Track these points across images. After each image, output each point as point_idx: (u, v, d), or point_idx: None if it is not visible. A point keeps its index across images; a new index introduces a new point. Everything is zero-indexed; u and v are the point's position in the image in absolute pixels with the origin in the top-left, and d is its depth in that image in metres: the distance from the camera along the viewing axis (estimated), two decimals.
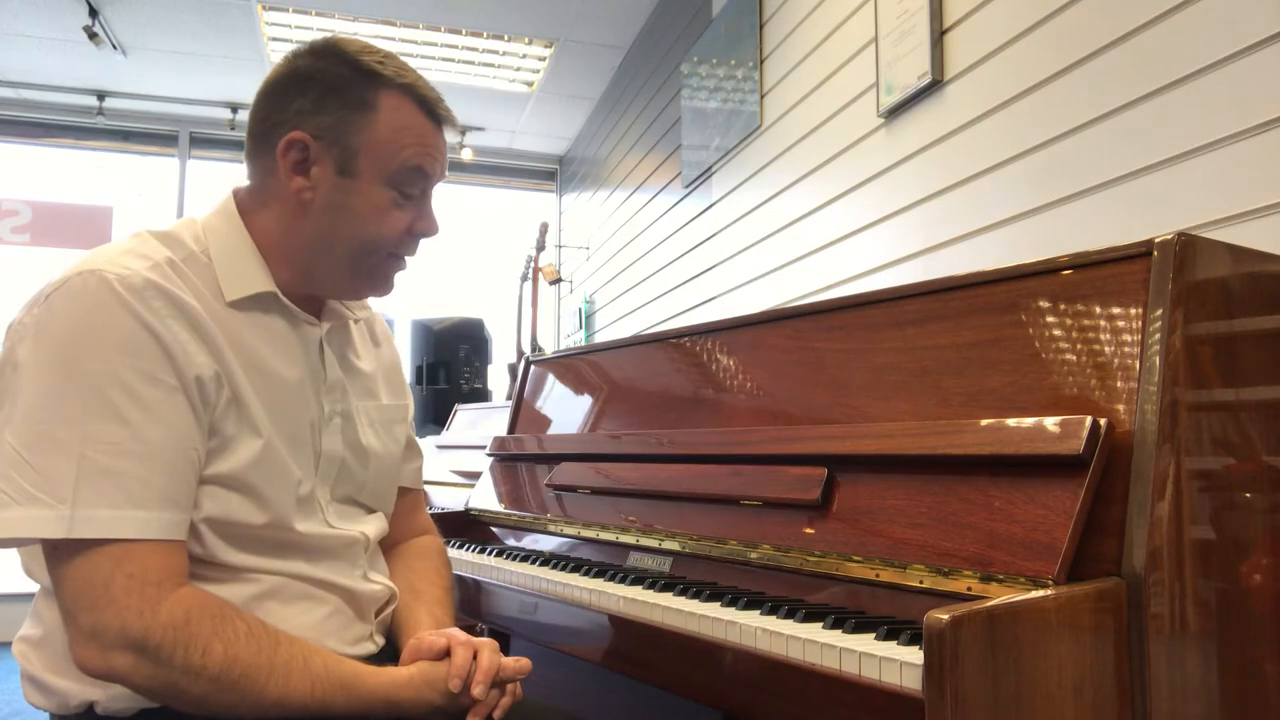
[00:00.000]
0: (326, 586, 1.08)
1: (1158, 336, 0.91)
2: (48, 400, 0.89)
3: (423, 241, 1.14)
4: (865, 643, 0.88)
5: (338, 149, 1.04)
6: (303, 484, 1.06)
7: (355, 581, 1.11)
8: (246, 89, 5.27)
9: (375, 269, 1.10)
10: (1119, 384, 0.93)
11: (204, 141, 5.60)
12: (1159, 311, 0.91)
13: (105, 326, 0.91)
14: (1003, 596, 0.80)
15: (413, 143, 1.06)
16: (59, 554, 0.90)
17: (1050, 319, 1.02)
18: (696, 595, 1.14)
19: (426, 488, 3.39)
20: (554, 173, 6.44)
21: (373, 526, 1.17)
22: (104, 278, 0.92)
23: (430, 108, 1.09)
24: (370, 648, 1.13)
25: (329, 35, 1.09)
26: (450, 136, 1.12)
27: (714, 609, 1.07)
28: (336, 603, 1.09)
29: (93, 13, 4.31)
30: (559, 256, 5.66)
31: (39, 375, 0.90)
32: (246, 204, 1.09)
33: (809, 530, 1.15)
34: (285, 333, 1.07)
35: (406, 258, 1.13)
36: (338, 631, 1.08)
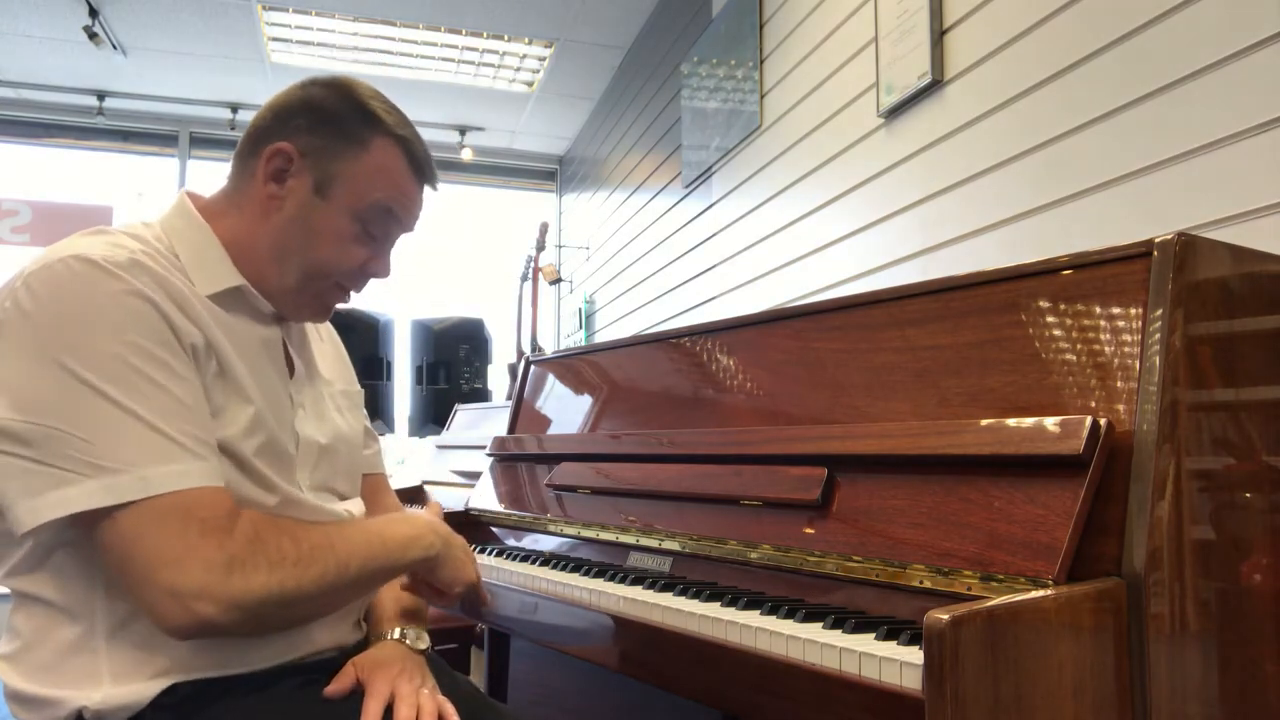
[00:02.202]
0: None
1: (1158, 336, 0.91)
2: (67, 379, 0.89)
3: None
4: (865, 643, 0.88)
5: (319, 170, 1.07)
6: (291, 465, 1.08)
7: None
8: (246, 89, 5.30)
9: (320, 294, 1.12)
10: (1119, 384, 0.93)
11: (204, 141, 5.60)
12: (1159, 311, 0.91)
13: (106, 300, 0.91)
14: (1003, 596, 0.80)
15: (392, 187, 1.10)
16: (118, 524, 0.88)
17: (1050, 319, 1.02)
18: (696, 595, 1.14)
19: (426, 488, 3.41)
20: (554, 173, 6.44)
21: (356, 508, 1.21)
22: (89, 259, 0.93)
23: (418, 164, 1.13)
24: (358, 635, 1.16)
25: (346, 76, 1.13)
26: (429, 195, 1.18)
27: (714, 609, 1.07)
28: None
29: (93, 13, 4.31)
30: (559, 256, 5.66)
31: (41, 359, 0.89)
32: (213, 207, 1.10)
33: (809, 530, 1.15)
34: (253, 328, 1.09)
35: (351, 292, 1.16)
36: (333, 621, 1.10)
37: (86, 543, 0.92)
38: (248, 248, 1.08)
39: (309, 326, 1.24)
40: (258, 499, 1.02)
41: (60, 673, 0.95)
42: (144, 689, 0.95)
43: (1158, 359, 0.90)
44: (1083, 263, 1.01)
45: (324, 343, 1.29)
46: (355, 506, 1.21)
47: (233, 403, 1.01)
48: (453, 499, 2.94)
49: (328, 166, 1.07)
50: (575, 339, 5.52)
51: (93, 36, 4.38)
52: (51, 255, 0.94)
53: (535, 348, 4.50)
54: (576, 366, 1.92)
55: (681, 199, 3.94)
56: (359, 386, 1.32)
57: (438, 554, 1.10)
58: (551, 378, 2.01)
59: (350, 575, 0.99)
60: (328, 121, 1.07)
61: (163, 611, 0.89)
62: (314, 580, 0.96)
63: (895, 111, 2.38)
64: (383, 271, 1.15)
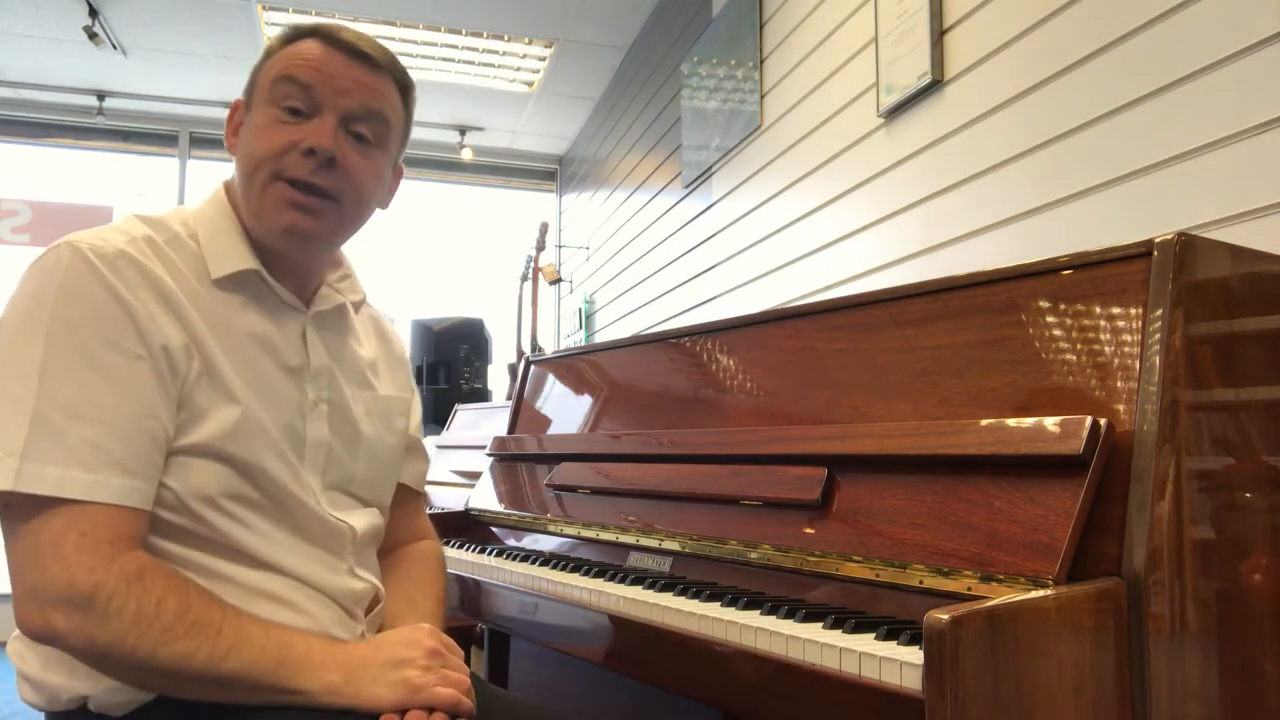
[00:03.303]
0: (317, 586, 1.06)
1: (1158, 336, 0.91)
2: (6, 357, 0.91)
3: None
4: (865, 643, 0.88)
5: (248, 99, 1.10)
6: (293, 465, 1.06)
7: (341, 577, 1.09)
8: None
9: (266, 194, 1.04)
10: (1119, 384, 0.93)
11: (204, 141, 5.60)
12: (1159, 311, 0.91)
13: (72, 291, 0.92)
14: (1003, 596, 0.80)
15: (283, 61, 1.08)
16: (10, 512, 0.89)
17: (1050, 319, 1.02)
18: (696, 595, 1.14)
19: (427, 487, 3.40)
20: (554, 173, 6.44)
21: (362, 520, 1.14)
22: (77, 247, 0.94)
23: (329, 36, 1.07)
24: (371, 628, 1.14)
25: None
26: (375, 75, 1.09)
27: (714, 609, 1.07)
28: (326, 601, 1.07)
29: (93, 13, 4.31)
30: (559, 256, 5.66)
31: (1, 335, 0.93)
32: (234, 190, 1.11)
33: (809, 530, 1.15)
34: (269, 316, 1.08)
35: (306, 184, 1.04)
36: (329, 630, 1.07)
37: None
38: (241, 208, 1.08)
39: (366, 323, 1.24)
40: (256, 499, 1.01)
41: (65, 659, 0.94)
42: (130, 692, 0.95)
43: (1158, 359, 0.90)
44: (1083, 263, 1.01)
45: (389, 343, 1.27)
46: (361, 520, 1.14)
47: (217, 404, 0.99)
48: (453, 499, 2.94)
49: (251, 92, 1.10)
50: (575, 339, 5.52)
51: (93, 36, 4.38)
52: (57, 242, 0.96)
53: (535, 348, 4.50)
54: (576, 366, 1.93)
55: (681, 199, 3.94)
56: (411, 394, 1.28)
57: (338, 690, 0.95)
58: (551, 378, 2.01)
59: (220, 671, 0.89)
60: (260, 60, 1.11)
61: (18, 610, 0.88)
62: (174, 656, 0.88)
63: (895, 111, 2.38)
64: (315, 139, 1.03)
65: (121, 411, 0.91)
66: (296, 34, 1.10)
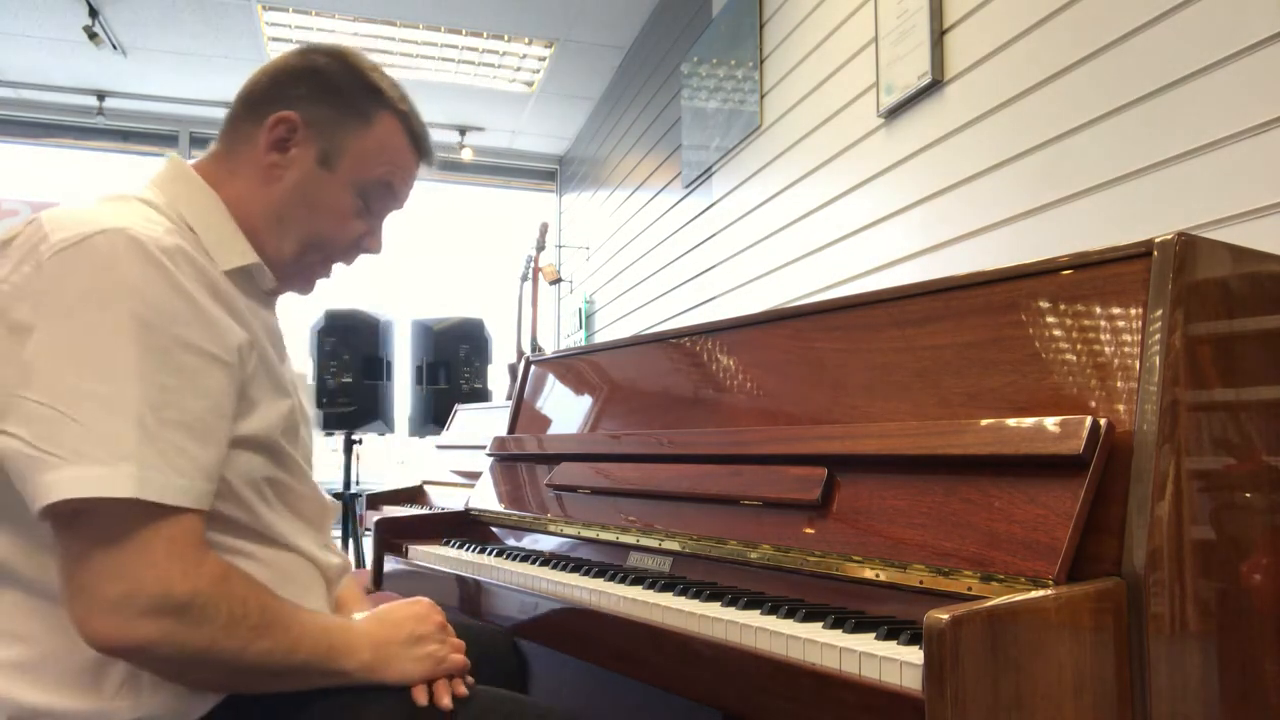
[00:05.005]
0: (317, 563, 1.08)
1: (1158, 336, 0.90)
2: (81, 356, 0.83)
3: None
4: (865, 643, 0.88)
5: (324, 141, 1.06)
6: (304, 446, 1.09)
7: (324, 553, 1.10)
8: None
9: (312, 266, 1.12)
10: (1119, 384, 0.93)
11: (204, 141, 5.61)
12: (1159, 311, 0.91)
13: (143, 289, 0.86)
14: (1003, 596, 0.80)
15: (394, 163, 1.11)
16: (80, 518, 0.82)
17: (1050, 319, 1.02)
18: (696, 595, 1.14)
19: (426, 488, 3.41)
20: (554, 173, 6.44)
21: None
22: (134, 237, 0.87)
23: (419, 141, 1.14)
24: None
25: (345, 46, 1.12)
26: (424, 174, 1.17)
27: (714, 609, 1.07)
28: (319, 577, 1.09)
29: (93, 13, 4.31)
30: (559, 256, 5.66)
31: (64, 333, 0.84)
32: (212, 173, 1.06)
33: (809, 530, 1.15)
34: (263, 304, 1.08)
35: (337, 266, 1.16)
36: (324, 609, 1.09)
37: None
38: (245, 216, 1.04)
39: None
40: (285, 482, 1.02)
41: (85, 676, 0.88)
42: (191, 701, 0.91)
43: (1158, 359, 0.90)
44: (1083, 263, 1.01)
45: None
46: None
47: (270, 396, 0.99)
48: (453, 499, 2.94)
49: (333, 138, 1.06)
50: (575, 339, 5.52)
51: (93, 36, 4.38)
52: (95, 224, 0.87)
53: (535, 348, 4.49)
54: (576, 366, 1.93)
55: (681, 199, 3.94)
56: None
57: (371, 668, 0.99)
58: (551, 378, 2.01)
59: (291, 663, 0.92)
60: (332, 92, 1.06)
61: (97, 622, 0.82)
62: (258, 654, 0.89)
63: (895, 111, 2.38)
64: (376, 247, 1.15)
65: (201, 414, 0.88)
66: (418, 143, 1.14)
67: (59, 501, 0.81)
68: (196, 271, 0.92)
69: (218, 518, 0.94)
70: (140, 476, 0.82)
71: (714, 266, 3.54)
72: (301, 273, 1.11)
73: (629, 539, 1.45)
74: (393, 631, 1.02)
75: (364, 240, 1.12)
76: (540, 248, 4.58)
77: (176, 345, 0.87)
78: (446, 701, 1.00)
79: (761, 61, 3.18)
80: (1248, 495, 0.94)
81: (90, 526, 0.83)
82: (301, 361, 4.11)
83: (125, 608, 0.82)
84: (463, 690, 1.02)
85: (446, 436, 3.49)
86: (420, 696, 1.00)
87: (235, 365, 0.92)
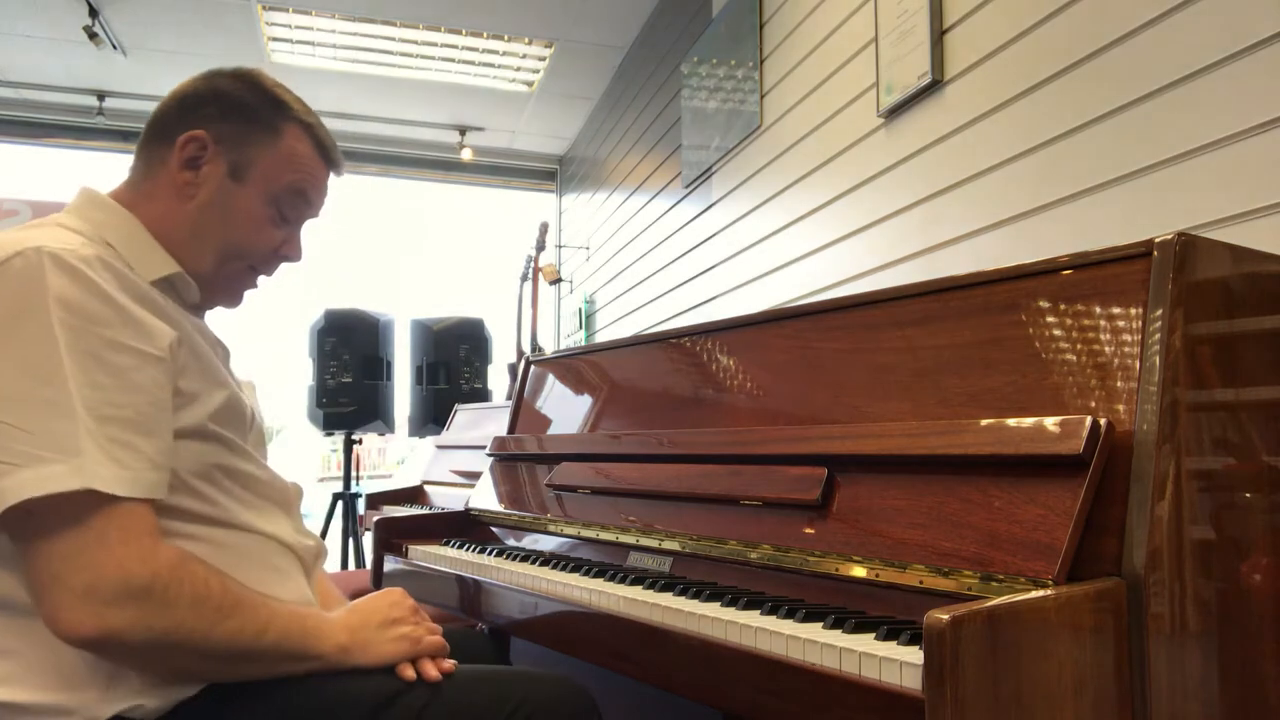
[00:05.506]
0: (290, 545, 1.11)
1: (1158, 336, 0.91)
2: (19, 369, 0.88)
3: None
4: (865, 643, 0.88)
5: (234, 155, 1.11)
6: (248, 435, 1.11)
7: (298, 536, 1.13)
8: None
9: (234, 277, 1.15)
10: (1119, 384, 0.93)
11: None
12: (1159, 311, 0.91)
13: (66, 296, 0.90)
14: (1003, 596, 0.80)
15: (303, 171, 1.15)
16: (35, 520, 0.87)
17: (1050, 319, 1.02)
18: (696, 595, 1.14)
19: (426, 488, 3.40)
20: (554, 173, 6.44)
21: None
22: (52, 252, 0.92)
23: (326, 150, 1.18)
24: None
25: (249, 67, 1.17)
26: (334, 180, 1.21)
27: (714, 609, 1.07)
28: (295, 560, 1.12)
29: (93, 13, 4.31)
30: (559, 256, 5.66)
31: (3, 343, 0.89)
32: (128, 198, 1.11)
33: (809, 530, 1.15)
34: (193, 310, 1.12)
35: (261, 277, 1.19)
36: (305, 592, 1.12)
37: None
38: (165, 233, 1.09)
39: None
40: (254, 473, 1.06)
41: (67, 672, 0.90)
42: (171, 691, 0.93)
43: (1158, 359, 0.90)
44: (1083, 263, 1.01)
45: None
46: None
47: (206, 387, 1.03)
48: (453, 499, 2.94)
49: (242, 152, 1.11)
50: (575, 339, 5.52)
51: (93, 36, 4.38)
52: (9, 248, 0.92)
53: (535, 348, 4.49)
54: (576, 366, 1.93)
55: (681, 199, 3.94)
56: None
57: (348, 650, 1.02)
58: (551, 378, 2.01)
59: (262, 645, 0.95)
60: (239, 109, 1.11)
61: (68, 616, 0.85)
62: (226, 635, 0.92)
63: (895, 111, 2.38)
64: (294, 254, 1.19)
65: (140, 408, 0.93)
66: (325, 152, 1.17)
67: (14, 505, 0.85)
68: (116, 277, 0.96)
69: (175, 509, 0.98)
70: (89, 470, 0.87)
71: (714, 266, 3.54)
72: (226, 284, 1.15)
73: (629, 539, 1.45)
74: (367, 617, 1.06)
75: (282, 248, 1.17)
76: (540, 248, 4.57)
77: (105, 346, 0.92)
78: (433, 673, 1.03)
79: (761, 61, 3.18)
80: (1248, 495, 0.94)
81: (46, 525, 0.87)
82: (301, 361, 4.11)
83: (92, 598, 0.85)
84: (448, 666, 1.05)
85: (446, 436, 3.49)
86: (407, 672, 1.03)
87: (168, 360, 0.97)
